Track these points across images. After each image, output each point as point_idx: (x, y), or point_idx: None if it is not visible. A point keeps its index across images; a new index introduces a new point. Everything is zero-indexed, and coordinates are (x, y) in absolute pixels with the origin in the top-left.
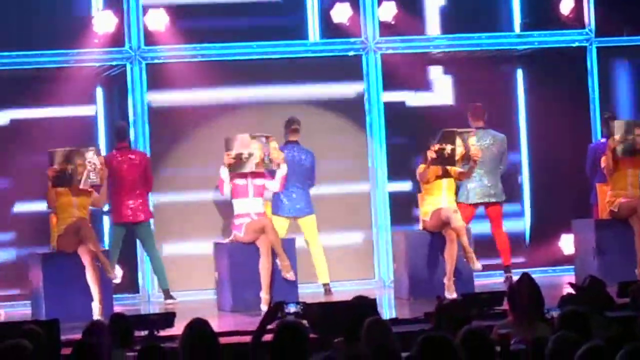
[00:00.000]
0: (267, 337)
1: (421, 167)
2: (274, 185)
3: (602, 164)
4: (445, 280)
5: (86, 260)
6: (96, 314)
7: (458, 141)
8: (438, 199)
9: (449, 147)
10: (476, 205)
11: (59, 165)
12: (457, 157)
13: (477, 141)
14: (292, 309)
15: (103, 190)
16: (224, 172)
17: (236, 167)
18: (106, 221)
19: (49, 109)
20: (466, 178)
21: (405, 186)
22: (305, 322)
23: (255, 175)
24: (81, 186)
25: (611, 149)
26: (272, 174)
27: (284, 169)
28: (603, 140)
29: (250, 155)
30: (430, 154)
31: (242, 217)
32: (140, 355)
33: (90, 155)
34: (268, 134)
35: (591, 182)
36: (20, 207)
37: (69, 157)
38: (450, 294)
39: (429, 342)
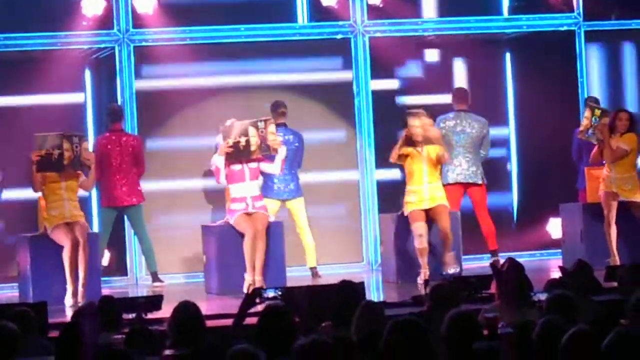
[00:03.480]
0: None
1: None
2: (273, 169)
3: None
4: (444, 258)
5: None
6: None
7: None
8: (419, 187)
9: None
10: (454, 185)
11: (45, 150)
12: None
13: (456, 126)
14: (270, 294)
15: (91, 174)
16: (220, 160)
17: (234, 156)
18: (94, 204)
19: (36, 95)
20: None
21: (394, 173)
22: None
23: (250, 159)
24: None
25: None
26: (271, 158)
27: (283, 151)
28: None
29: (247, 142)
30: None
31: (238, 201)
32: (128, 338)
33: (76, 140)
34: (267, 117)
35: (578, 167)
36: (8, 194)
37: (55, 142)
38: (452, 269)
39: (399, 326)
